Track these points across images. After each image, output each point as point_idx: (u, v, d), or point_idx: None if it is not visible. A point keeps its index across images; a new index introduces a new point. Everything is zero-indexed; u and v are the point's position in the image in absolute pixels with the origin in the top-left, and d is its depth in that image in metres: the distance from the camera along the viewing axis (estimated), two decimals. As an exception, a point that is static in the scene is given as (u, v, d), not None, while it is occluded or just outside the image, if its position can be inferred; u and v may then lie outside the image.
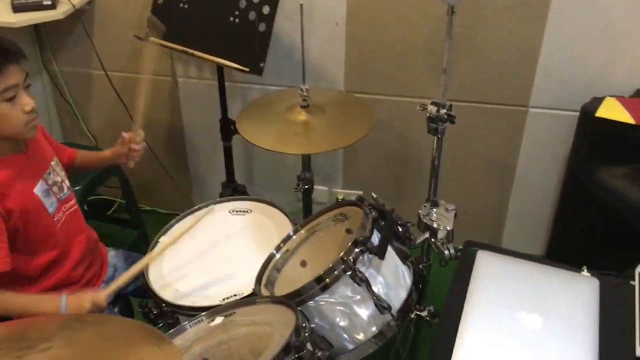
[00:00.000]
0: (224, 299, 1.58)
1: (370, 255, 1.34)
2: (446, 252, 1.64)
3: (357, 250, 1.31)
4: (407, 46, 2.28)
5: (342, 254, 1.31)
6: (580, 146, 2.19)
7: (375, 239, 1.38)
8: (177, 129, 2.74)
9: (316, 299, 1.33)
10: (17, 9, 2.30)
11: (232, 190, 2.51)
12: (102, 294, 1.53)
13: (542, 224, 2.54)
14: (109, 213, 2.84)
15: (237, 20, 2.08)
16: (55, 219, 1.61)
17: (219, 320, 1.31)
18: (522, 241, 2.60)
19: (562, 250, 2.40)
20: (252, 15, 2.04)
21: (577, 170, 2.20)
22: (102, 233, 1.88)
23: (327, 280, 1.31)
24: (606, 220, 2.13)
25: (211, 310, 1.36)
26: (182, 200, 2.83)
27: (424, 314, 1.96)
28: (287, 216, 1.83)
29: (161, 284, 1.68)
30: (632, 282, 1.40)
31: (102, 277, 1.80)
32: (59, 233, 1.62)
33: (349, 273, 1.31)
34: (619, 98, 2.09)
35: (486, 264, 1.41)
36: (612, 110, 2.02)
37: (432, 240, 1.65)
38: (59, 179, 1.65)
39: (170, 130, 2.75)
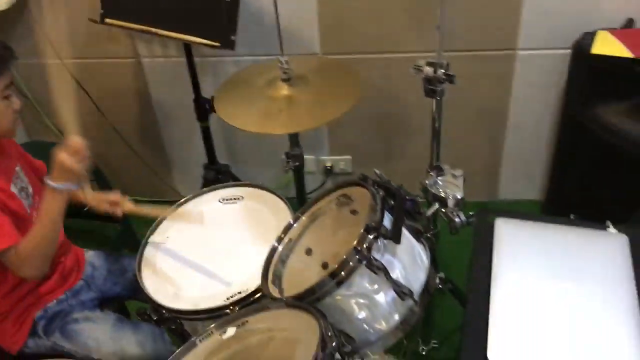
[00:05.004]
0: (228, 298, 1.48)
1: (385, 241, 1.24)
2: (457, 219, 1.54)
3: (370, 237, 1.21)
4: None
5: (355, 243, 1.20)
6: (575, 85, 2.10)
7: (387, 221, 1.27)
8: (149, 113, 2.57)
9: (333, 294, 1.22)
10: (-45, 3, 2.10)
11: (216, 171, 2.38)
12: (72, 138, 1.41)
13: (539, 169, 2.47)
14: (86, 209, 2.69)
15: (199, -9, 1.91)
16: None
17: (231, 331, 1.20)
18: (520, 189, 2.53)
19: (561, 195, 2.34)
20: (215, -15, 1.88)
21: (573, 111, 2.11)
22: (82, 230, 1.76)
23: (343, 273, 1.20)
24: (607, 160, 2.07)
25: (221, 321, 1.25)
26: (163, 186, 2.70)
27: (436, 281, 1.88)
28: (282, 199, 1.72)
29: (157, 287, 1.57)
30: (660, 233, 1.32)
31: (80, 274, 1.73)
32: None
33: (365, 263, 1.20)
34: (612, 31, 1.99)
35: (507, 233, 1.32)
36: (608, 46, 1.92)
37: (443, 210, 1.55)
38: (25, 184, 1.58)
39: (141, 115, 2.58)
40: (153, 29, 1.98)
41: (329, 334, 1.03)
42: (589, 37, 1.99)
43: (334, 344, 1.01)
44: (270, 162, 2.60)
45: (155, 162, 2.68)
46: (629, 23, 2.05)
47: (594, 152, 2.09)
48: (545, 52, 2.18)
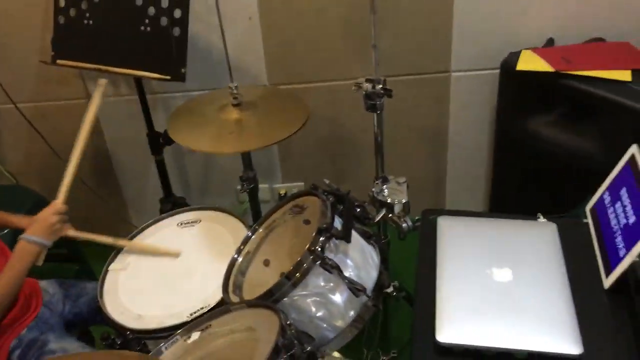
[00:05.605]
0: (191, 314, 1.53)
1: (336, 241, 1.33)
2: (404, 224, 1.64)
3: (322, 238, 1.29)
4: (323, 30, 2.27)
5: (308, 245, 1.29)
6: (505, 101, 2.25)
7: (338, 224, 1.36)
8: (102, 151, 2.62)
9: (290, 294, 1.30)
10: None
11: (172, 204, 2.43)
12: (57, 201, 1.67)
13: (481, 181, 2.61)
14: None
15: (148, 28, 1.99)
16: None
17: (195, 336, 1.26)
18: (465, 201, 2.66)
19: (503, 203, 2.47)
20: (164, 21, 1.97)
21: (506, 125, 2.26)
22: (39, 272, 1.77)
23: (298, 274, 1.28)
24: (540, 167, 2.21)
25: (185, 327, 1.30)
26: (120, 223, 2.73)
27: (389, 289, 1.97)
28: (238, 218, 1.79)
29: (121, 311, 1.61)
30: (585, 220, 1.45)
31: (40, 300, 1.73)
32: None
33: (319, 262, 1.29)
34: (534, 49, 2.16)
35: (449, 229, 1.42)
36: (530, 62, 2.08)
37: (390, 215, 1.65)
38: None
39: (94, 154, 2.63)
40: (104, 67, 2.05)
41: (288, 322, 1.10)
42: (515, 56, 2.16)
43: (293, 331, 1.08)
44: (224, 193, 2.67)
45: (111, 199, 2.71)
46: (550, 42, 2.24)
47: (529, 161, 2.24)
48: (477, 72, 2.35)
